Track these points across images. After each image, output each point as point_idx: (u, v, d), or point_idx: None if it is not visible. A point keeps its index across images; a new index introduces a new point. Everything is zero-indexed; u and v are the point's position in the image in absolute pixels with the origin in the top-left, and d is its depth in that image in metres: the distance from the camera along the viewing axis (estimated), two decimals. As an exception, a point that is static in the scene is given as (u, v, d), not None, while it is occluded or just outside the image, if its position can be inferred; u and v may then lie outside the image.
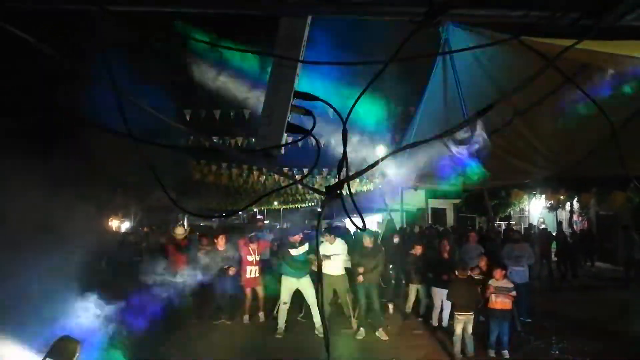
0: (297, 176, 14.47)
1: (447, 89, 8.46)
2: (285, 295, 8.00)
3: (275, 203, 40.94)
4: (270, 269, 9.45)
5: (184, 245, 8.90)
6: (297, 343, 7.62)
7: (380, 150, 14.38)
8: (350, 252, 8.45)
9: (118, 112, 1.53)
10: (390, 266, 10.04)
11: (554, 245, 14.91)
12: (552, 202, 19.64)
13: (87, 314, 6.81)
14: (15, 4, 1.54)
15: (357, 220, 1.84)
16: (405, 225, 22.33)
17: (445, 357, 6.97)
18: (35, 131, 8.68)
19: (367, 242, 7.97)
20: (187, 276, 8.91)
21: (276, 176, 18.89)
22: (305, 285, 7.94)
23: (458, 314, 6.74)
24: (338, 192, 1.51)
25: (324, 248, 8.25)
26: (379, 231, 12.26)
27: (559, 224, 18.79)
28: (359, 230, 8.01)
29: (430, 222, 25.24)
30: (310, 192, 26.72)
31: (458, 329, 6.74)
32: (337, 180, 1.54)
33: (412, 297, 9.00)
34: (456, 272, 6.92)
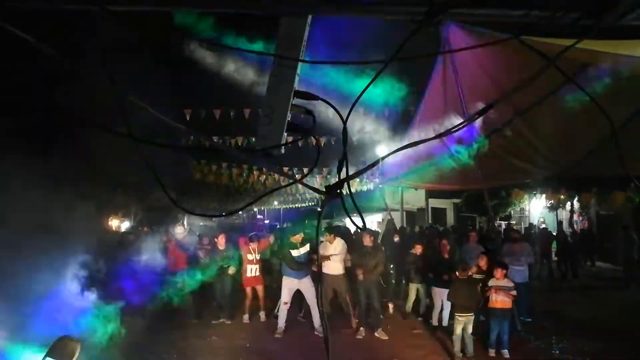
0: (297, 175, 14.47)
1: (447, 88, 8.46)
2: (286, 295, 8.00)
3: (275, 203, 40.96)
4: (271, 268, 9.45)
5: (183, 245, 8.89)
6: (297, 343, 7.62)
7: (381, 150, 14.38)
8: (350, 251, 8.47)
9: (119, 113, 1.53)
10: (391, 266, 10.05)
11: (554, 245, 14.91)
12: (552, 201, 19.63)
13: (86, 314, 6.83)
14: (15, 3, 1.54)
15: (357, 220, 1.84)
16: (405, 225, 22.36)
17: (445, 356, 6.97)
18: (35, 131, 8.68)
19: (367, 241, 7.96)
20: (186, 275, 8.92)
21: (276, 175, 18.88)
22: (306, 286, 7.94)
23: (458, 315, 6.74)
24: (338, 191, 1.50)
25: (324, 247, 8.26)
26: (379, 231, 12.28)
27: (560, 223, 18.76)
28: (359, 230, 8.05)
29: (430, 221, 25.24)
30: (311, 191, 26.70)
31: (458, 329, 6.74)
32: (337, 179, 1.54)
33: (412, 297, 9.01)
34: (457, 273, 6.91)
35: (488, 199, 9.00)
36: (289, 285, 7.98)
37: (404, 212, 27.32)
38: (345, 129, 1.56)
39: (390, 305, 9.56)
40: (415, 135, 9.86)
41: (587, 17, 1.50)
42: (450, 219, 27.06)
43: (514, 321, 7.58)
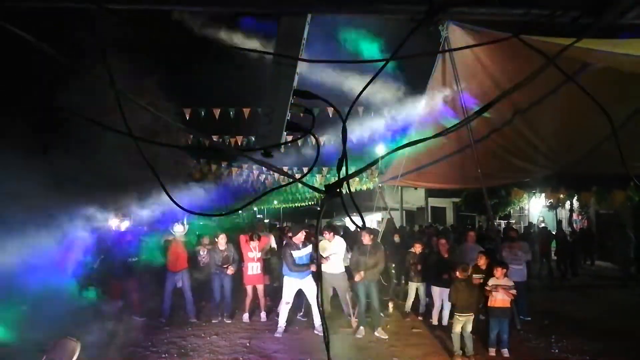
0: (296, 175, 14.46)
1: (446, 86, 8.48)
2: (288, 295, 7.99)
3: (275, 202, 40.98)
4: (270, 267, 9.45)
5: (183, 244, 8.89)
6: (297, 342, 7.62)
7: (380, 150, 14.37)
8: (349, 250, 8.47)
9: (119, 112, 1.52)
10: (393, 265, 10.07)
11: (553, 244, 14.92)
12: (552, 200, 19.67)
13: (86, 314, 6.84)
14: (15, 3, 1.53)
15: (357, 219, 1.84)
16: (404, 224, 22.38)
17: (445, 355, 6.97)
18: (34, 130, 8.67)
19: (367, 240, 7.95)
20: (186, 274, 8.93)
21: (276, 174, 18.87)
22: (309, 285, 7.92)
23: (459, 315, 6.74)
24: (338, 190, 1.50)
25: (323, 246, 8.25)
26: (379, 230, 12.28)
27: (559, 222, 18.82)
28: (358, 229, 8.05)
29: (430, 220, 25.26)
30: (310, 190, 26.71)
31: (457, 328, 6.74)
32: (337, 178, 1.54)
33: (411, 296, 9.02)
34: (457, 273, 6.91)
35: (487, 198, 9.01)
36: (291, 284, 7.97)
37: (404, 212, 27.39)
38: (344, 128, 1.56)
39: (390, 304, 9.57)
40: (414, 132, 9.88)
41: (587, 15, 1.50)
42: (449, 218, 27.09)
43: (513, 320, 7.59)
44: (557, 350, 7.17)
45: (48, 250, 6.38)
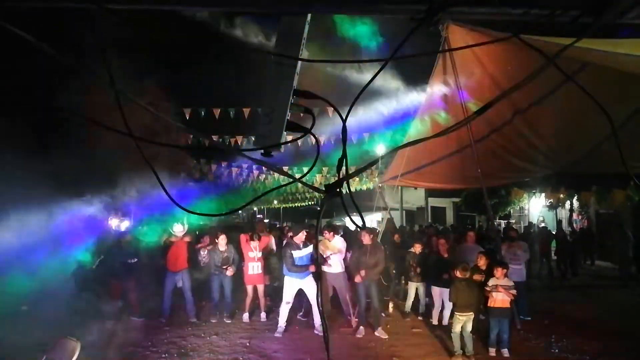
0: (296, 175, 14.44)
1: (446, 86, 8.47)
2: (288, 295, 7.98)
3: (275, 202, 41.00)
4: (270, 267, 9.45)
5: (182, 244, 8.88)
6: (297, 342, 7.62)
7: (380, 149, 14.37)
8: (350, 249, 8.46)
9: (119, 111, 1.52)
10: (394, 265, 10.06)
11: (553, 244, 14.93)
12: (551, 200, 19.67)
13: (86, 314, 6.84)
14: (15, 3, 1.53)
15: (357, 219, 1.84)
16: (404, 224, 22.38)
17: (445, 355, 6.97)
18: (34, 130, 8.68)
19: (367, 239, 7.95)
20: (186, 274, 8.93)
21: (276, 174, 18.89)
22: (309, 285, 7.92)
23: (459, 314, 6.74)
24: (337, 190, 1.50)
25: (323, 245, 8.25)
26: (378, 229, 12.28)
27: (559, 222, 18.82)
28: (358, 229, 8.04)
29: (430, 220, 25.26)
30: (310, 190, 26.74)
31: (457, 327, 6.74)
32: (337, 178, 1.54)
33: (411, 296, 9.02)
34: (457, 273, 6.91)
35: (487, 198, 9.01)
36: (292, 284, 7.96)
37: (404, 211, 27.40)
38: (344, 128, 1.56)
39: (391, 304, 9.57)
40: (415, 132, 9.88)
41: (586, 15, 1.50)
42: (449, 218, 27.10)
43: (513, 320, 7.59)
44: (557, 350, 7.17)
45: (48, 250, 6.39)
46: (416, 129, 9.85)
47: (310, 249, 7.91)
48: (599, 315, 9.28)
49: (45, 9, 1.56)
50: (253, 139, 1.68)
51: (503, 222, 20.89)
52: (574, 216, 19.96)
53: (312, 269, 7.79)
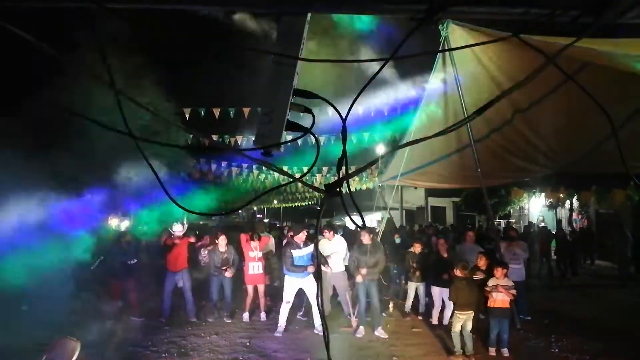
0: (296, 174, 14.43)
1: (446, 86, 8.48)
2: (289, 294, 7.98)
3: (275, 202, 41.01)
4: (270, 267, 9.46)
5: (182, 243, 8.88)
6: (297, 341, 7.62)
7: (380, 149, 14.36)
8: (350, 249, 8.46)
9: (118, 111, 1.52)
10: (395, 265, 10.07)
11: (553, 243, 14.93)
12: (551, 200, 19.68)
13: (86, 314, 6.84)
14: (14, 3, 1.53)
15: (357, 218, 1.84)
16: (404, 224, 22.38)
17: (446, 355, 6.97)
18: (34, 129, 8.67)
19: (366, 239, 7.94)
20: (186, 274, 8.93)
21: (276, 174, 18.88)
22: (310, 284, 7.91)
23: (459, 313, 6.74)
24: (337, 190, 1.50)
25: (323, 245, 8.25)
26: (378, 229, 12.28)
27: (559, 222, 18.83)
28: (358, 228, 8.04)
29: (430, 220, 25.26)
30: (310, 190, 26.76)
31: (457, 326, 6.74)
32: (337, 178, 1.54)
33: (411, 295, 9.02)
34: (456, 272, 6.90)
35: (487, 198, 9.01)
36: (292, 284, 7.96)
37: (404, 211, 27.40)
38: (344, 127, 1.56)
39: (391, 304, 9.58)
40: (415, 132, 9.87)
41: (586, 15, 1.49)
42: (449, 217, 27.10)
43: (513, 320, 7.59)
44: (557, 350, 7.17)
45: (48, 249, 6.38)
46: (416, 127, 9.85)
47: (310, 248, 7.89)
48: (599, 315, 9.27)
49: (45, 9, 1.55)
50: (253, 138, 1.67)
51: (503, 222, 20.89)
52: (574, 216, 19.97)
53: (311, 269, 7.78)
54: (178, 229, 8.89)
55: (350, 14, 1.53)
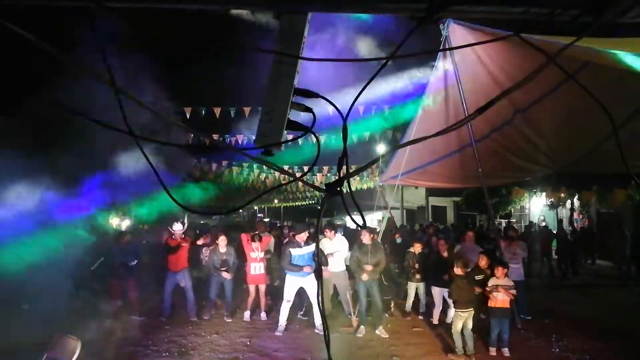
0: (297, 173, 14.44)
1: (447, 85, 8.48)
2: (289, 293, 7.99)
3: (276, 201, 41.02)
4: (270, 267, 9.46)
5: (180, 242, 8.88)
6: (297, 341, 7.63)
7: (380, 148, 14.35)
8: (350, 248, 8.46)
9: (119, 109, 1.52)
10: (396, 264, 10.06)
11: (554, 243, 14.92)
12: (552, 200, 19.67)
13: (86, 313, 6.84)
14: (14, 1, 1.53)
15: (357, 218, 1.84)
16: (405, 223, 22.38)
17: (446, 354, 6.97)
18: (34, 128, 8.67)
19: (367, 239, 7.94)
20: (187, 274, 8.94)
21: (276, 173, 18.87)
22: (309, 283, 7.92)
23: (460, 312, 6.74)
24: (338, 189, 1.50)
25: (324, 244, 8.25)
26: (378, 229, 12.28)
27: (560, 221, 18.80)
28: (359, 228, 8.04)
29: (430, 219, 25.26)
30: (311, 189, 26.76)
31: (458, 325, 6.75)
32: (337, 177, 1.54)
33: (411, 295, 9.01)
34: (456, 270, 6.90)
35: (488, 197, 9.01)
36: (293, 283, 7.97)
37: (404, 210, 27.40)
38: (345, 127, 1.56)
39: (392, 304, 9.57)
40: (415, 131, 9.87)
41: (586, 14, 1.49)
42: (450, 217, 27.11)
43: (514, 319, 7.59)
44: (557, 350, 7.17)
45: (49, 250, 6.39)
46: (416, 126, 9.85)
47: (311, 247, 7.90)
48: (600, 315, 9.27)
49: (45, 8, 1.55)
50: (253, 137, 1.67)
51: (504, 222, 20.88)
52: (575, 215, 19.96)
53: (307, 269, 7.77)
54: (178, 228, 8.89)
55: (350, 12, 1.53)
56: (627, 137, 6.28)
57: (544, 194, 19.96)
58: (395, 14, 1.59)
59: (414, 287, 8.95)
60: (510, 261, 8.05)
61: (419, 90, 9.21)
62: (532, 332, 7.88)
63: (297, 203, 38.43)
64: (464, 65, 7.75)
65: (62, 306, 6.38)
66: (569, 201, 19.46)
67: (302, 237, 7.97)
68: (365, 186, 20.98)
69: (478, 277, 7.11)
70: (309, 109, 1.73)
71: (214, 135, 13.29)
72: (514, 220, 21.98)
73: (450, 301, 7.59)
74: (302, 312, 8.83)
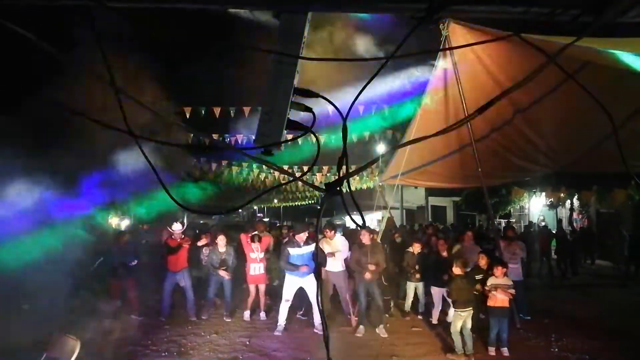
0: (296, 173, 14.44)
1: (447, 85, 8.47)
2: (288, 293, 7.99)
3: (275, 201, 41.03)
4: (270, 267, 9.46)
5: (181, 242, 8.88)
6: (297, 340, 7.63)
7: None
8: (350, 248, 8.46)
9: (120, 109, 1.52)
10: (395, 264, 10.06)
11: (554, 243, 14.93)
12: (552, 200, 19.66)
13: (86, 313, 6.84)
14: (13, 1, 1.53)
15: (357, 218, 1.84)
16: (405, 223, 22.38)
17: (445, 354, 6.97)
18: (34, 127, 8.67)
19: (366, 239, 7.94)
20: (187, 273, 8.93)
21: (276, 173, 18.87)
22: (310, 283, 7.92)
23: (460, 312, 6.74)
24: (338, 189, 1.50)
25: (324, 244, 8.24)
26: (378, 229, 12.29)
27: (559, 221, 18.81)
28: (358, 228, 8.03)
29: (430, 219, 25.26)
30: (311, 189, 26.76)
31: (458, 325, 6.74)
32: (337, 177, 1.54)
33: (410, 295, 9.01)
34: (455, 270, 6.89)
35: (488, 197, 9.00)
36: (292, 282, 7.97)
37: (404, 210, 27.40)
38: (345, 127, 1.56)
39: (391, 304, 9.57)
40: (415, 131, 9.87)
41: (587, 14, 1.49)
42: (450, 217, 27.10)
43: (513, 319, 7.59)
44: (556, 349, 7.17)
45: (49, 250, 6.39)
46: (416, 126, 9.84)
47: (311, 247, 7.90)
48: (599, 314, 9.28)
49: (44, 7, 1.55)
50: (253, 137, 1.67)
51: (503, 221, 20.89)
52: (575, 215, 19.95)
53: (304, 269, 7.76)
54: (177, 228, 8.89)
55: (350, 12, 1.53)
56: (627, 137, 6.28)
57: (543, 194, 19.96)
58: (395, 13, 1.59)
59: (412, 287, 8.94)
60: (509, 261, 8.05)
61: (419, 90, 9.20)
62: (531, 332, 7.88)
63: (296, 203, 38.44)
64: (464, 65, 7.75)
65: (62, 306, 6.38)
66: (568, 201, 19.46)
67: (302, 237, 7.97)
68: (364, 186, 20.98)
69: (478, 277, 7.11)
70: (308, 109, 1.73)
71: (213, 135, 13.29)
72: (514, 220, 21.97)
73: (449, 300, 7.59)
74: (301, 312, 8.83)
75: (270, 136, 1.63)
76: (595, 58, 5.13)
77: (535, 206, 22.24)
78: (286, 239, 9.10)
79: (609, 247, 16.00)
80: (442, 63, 8.24)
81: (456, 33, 7.20)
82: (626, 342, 7.43)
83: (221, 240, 8.87)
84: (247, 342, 7.52)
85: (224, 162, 18.10)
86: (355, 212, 1.60)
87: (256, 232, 9.04)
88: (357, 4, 1.59)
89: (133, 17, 1.52)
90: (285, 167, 13.94)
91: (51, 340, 3.87)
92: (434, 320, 8.38)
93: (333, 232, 8.36)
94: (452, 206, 26.85)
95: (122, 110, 1.52)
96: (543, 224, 18.07)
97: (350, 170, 1.55)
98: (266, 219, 35.18)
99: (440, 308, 8.36)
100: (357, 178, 19.30)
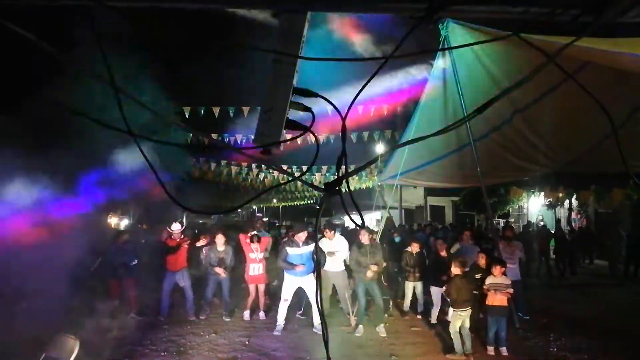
0: (296, 173, 14.44)
1: (446, 85, 8.48)
2: (287, 293, 7.99)
3: (275, 200, 41.04)
4: (269, 267, 9.46)
5: (180, 242, 8.87)
6: (296, 340, 7.62)
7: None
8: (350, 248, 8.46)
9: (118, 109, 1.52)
10: (394, 264, 10.06)
11: (552, 242, 14.94)
12: (550, 199, 19.68)
13: (85, 312, 6.83)
14: (13, 1, 1.53)
15: (356, 217, 1.84)
16: (403, 223, 22.40)
17: (444, 353, 6.97)
18: (34, 126, 8.67)
19: (365, 239, 7.94)
20: (186, 273, 8.93)
21: (275, 173, 18.88)
22: (308, 283, 7.92)
23: (459, 311, 6.74)
24: (337, 188, 1.50)
25: (324, 244, 8.24)
26: (377, 229, 12.30)
27: (558, 221, 18.83)
28: (357, 228, 8.04)
29: (429, 219, 25.28)
30: (310, 189, 26.76)
31: (457, 325, 6.75)
32: (336, 177, 1.54)
33: (408, 295, 9.02)
34: (453, 269, 6.89)
35: (486, 197, 9.01)
36: (291, 282, 7.97)
37: (403, 210, 27.43)
38: (344, 126, 1.56)
39: (390, 303, 9.57)
40: (414, 131, 9.87)
41: (587, 14, 1.49)
42: (448, 216, 27.12)
43: (512, 319, 7.59)
44: (555, 349, 7.17)
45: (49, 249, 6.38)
46: (415, 126, 9.84)
47: (310, 247, 7.90)
48: (598, 314, 9.29)
49: (44, 7, 1.55)
50: (252, 137, 1.67)
51: (502, 221, 20.90)
52: (573, 215, 19.97)
53: (300, 268, 7.76)
54: (176, 228, 8.88)
55: (350, 12, 1.53)
56: (626, 137, 6.28)
57: (542, 193, 19.98)
58: (395, 13, 1.59)
59: (411, 287, 8.95)
60: (508, 261, 8.06)
61: (418, 90, 9.21)
62: (530, 332, 7.88)
63: (295, 203, 38.46)
64: (463, 64, 7.75)
65: (61, 305, 6.37)
66: (567, 201, 19.48)
67: (301, 236, 7.97)
68: (364, 186, 21.01)
69: (477, 276, 7.11)
70: (308, 109, 1.73)
71: (213, 134, 13.31)
72: (512, 220, 21.99)
73: (449, 300, 7.60)
74: (300, 312, 8.84)
75: (269, 136, 1.62)
76: (595, 58, 5.13)
77: (534, 206, 22.26)
78: (285, 239, 9.09)
79: (608, 247, 16.02)
80: (441, 63, 8.25)
81: (455, 33, 7.20)
82: (625, 342, 7.44)
83: (219, 239, 8.86)
84: (247, 342, 7.52)
85: (223, 162, 18.12)
86: (354, 212, 1.60)
87: (255, 233, 9.04)
88: (357, 3, 1.59)
89: (133, 16, 1.52)
90: (285, 167, 13.94)
91: (50, 340, 3.86)
92: (433, 320, 8.39)
93: (333, 232, 8.36)
94: (451, 206, 26.87)
95: (121, 110, 1.52)
96: (542, 223, 18.08)
97: (349, 170, 1.55)
98: (265, 219, 35.20)
99: (439, 308, 8.36)
100: (356, 178, 19.32)
